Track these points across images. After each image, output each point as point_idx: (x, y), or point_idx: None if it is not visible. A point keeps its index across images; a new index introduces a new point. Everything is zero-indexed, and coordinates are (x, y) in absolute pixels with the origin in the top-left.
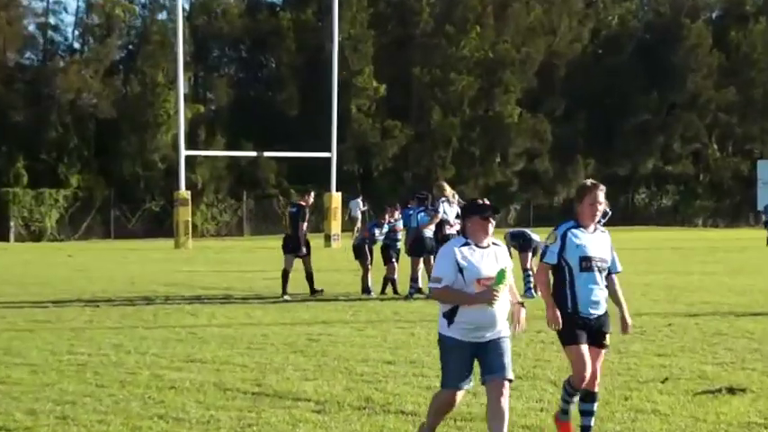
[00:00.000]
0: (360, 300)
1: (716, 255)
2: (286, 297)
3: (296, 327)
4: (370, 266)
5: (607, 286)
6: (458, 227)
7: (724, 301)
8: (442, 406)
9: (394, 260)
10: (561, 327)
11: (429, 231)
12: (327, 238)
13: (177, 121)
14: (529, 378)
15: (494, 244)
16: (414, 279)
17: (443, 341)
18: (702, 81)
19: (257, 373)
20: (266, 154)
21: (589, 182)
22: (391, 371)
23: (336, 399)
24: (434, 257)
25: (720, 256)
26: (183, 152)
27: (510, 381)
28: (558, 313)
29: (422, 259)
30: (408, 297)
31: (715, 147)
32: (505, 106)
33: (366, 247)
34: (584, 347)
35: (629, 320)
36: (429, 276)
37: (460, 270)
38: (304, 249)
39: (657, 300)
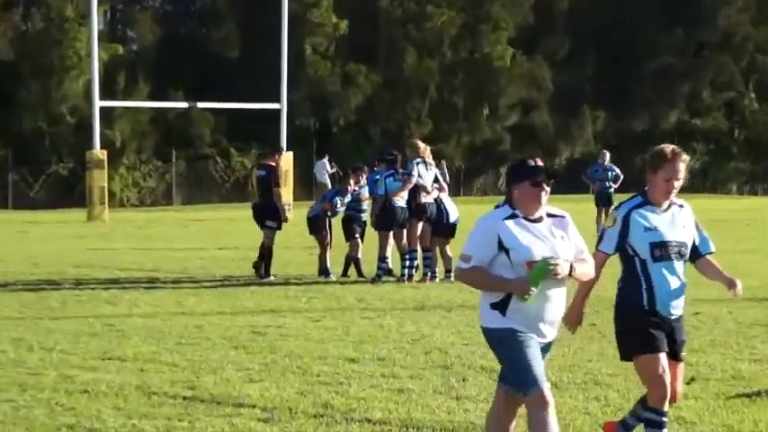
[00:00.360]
0: (316, 283)
1: (754, 228)
2: (271, 278)
3: (237, 317)
4: (329, 243)
5: (702, 271)
6: (436, 194)
7: (763, 285)
8: (539, 418)
9: (357, 236)
10: (574, 330)
11: (401, 200)
12: None
13: (90, 64)
14: None
15: (549, 215)
16: (382, 258)
17: (499, 335)
18: (737, 15)
19: (190, 374)
20: (200, 105)
21: (669, 149)
22: (354, 370)
23: (287, 404)
24: (407, 231)
25: (759, 229)
26: (98, 103)
27: None
28: (582, 315)
29: (392, 234)
30: (376, 280)
31: (753, 96)
32: (495, 47)
33: (326, 219)
34: (664, 357)
35: (732, 277)
36: (400, 254)
37: (506, 251)
38: (286, 218)
39: None
